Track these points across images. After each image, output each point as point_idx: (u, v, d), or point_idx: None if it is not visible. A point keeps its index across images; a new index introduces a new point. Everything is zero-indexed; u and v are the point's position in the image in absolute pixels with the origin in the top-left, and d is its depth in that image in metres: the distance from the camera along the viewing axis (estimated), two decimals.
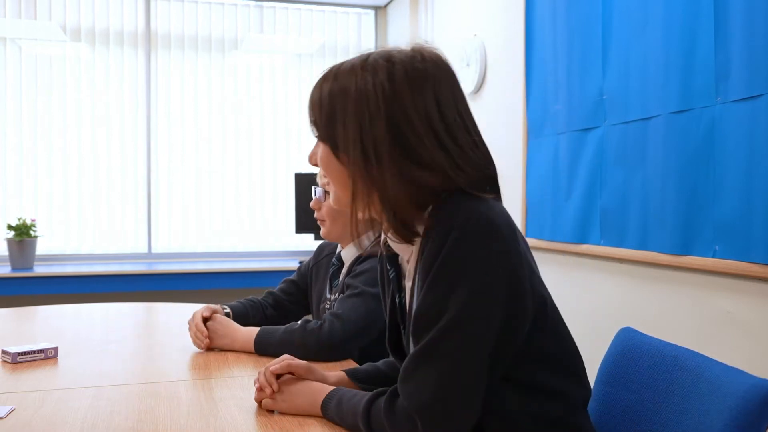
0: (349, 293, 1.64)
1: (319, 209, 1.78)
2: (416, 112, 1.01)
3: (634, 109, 2.11)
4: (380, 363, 1.35)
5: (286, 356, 1.25)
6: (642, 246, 2.07)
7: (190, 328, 1.71)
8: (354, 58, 1.07)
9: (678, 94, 1.92)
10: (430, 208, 1.02)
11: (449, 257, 0.95)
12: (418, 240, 1.04)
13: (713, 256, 1.79)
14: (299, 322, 1.63)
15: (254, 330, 1.63)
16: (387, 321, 1.19)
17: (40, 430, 1.08)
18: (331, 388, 1.16)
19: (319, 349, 1.53)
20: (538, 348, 1.02)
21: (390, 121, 1.00)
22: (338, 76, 1.05)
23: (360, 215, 1.05)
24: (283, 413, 1.17)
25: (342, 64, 1.07)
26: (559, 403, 1.04)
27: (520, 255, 0.99)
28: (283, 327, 1.61)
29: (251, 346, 1.61)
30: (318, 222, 1.80)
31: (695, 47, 1.86)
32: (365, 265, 1.68)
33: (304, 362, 1.24)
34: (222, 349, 1.64)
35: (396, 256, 1.15)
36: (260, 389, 1.20)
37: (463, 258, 0.94)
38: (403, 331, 1.15)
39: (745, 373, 0.99)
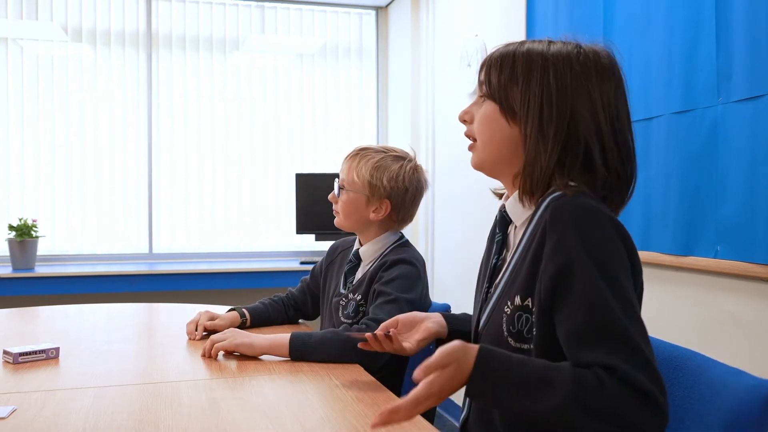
0: (385, 299, 1.63)
1: (336, 203, 1.88)
2: (601, 98, 1.08)
3: (636, 109, 2.10)
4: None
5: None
6: (644, 246, 2.06)
7: (190, 328, 1.76)
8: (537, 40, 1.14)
9: (680, 94, 1.92)
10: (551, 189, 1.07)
11: (586, 244, 0.98)
12: (529, 212, 1.10)
13: (715, 257, 1.79)
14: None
15: (285, 333, 1.56)
16: (479, 278, 1.25)
17: (42, 431, 1.08)
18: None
19: (363, 353, 1.42)
20: None
21: (577, 96, 1.07)
22: (525, 45, 1.12)
23: None
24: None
25: (525, 41, 1.15)
26: None
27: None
28: (321, 331, 1.58)
29: (284, 348, 1.52)
30: (334, 213, 1.90)
31: (697, 47, 1.86)
32: (395, 271, 1.69)
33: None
34: (244, 353, 1.54)
35: (507, 222, 1.19)
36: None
37: (596, 243, 0.98)
38: (487, 289, 1.19)
39: (746, 373, 0.98)
